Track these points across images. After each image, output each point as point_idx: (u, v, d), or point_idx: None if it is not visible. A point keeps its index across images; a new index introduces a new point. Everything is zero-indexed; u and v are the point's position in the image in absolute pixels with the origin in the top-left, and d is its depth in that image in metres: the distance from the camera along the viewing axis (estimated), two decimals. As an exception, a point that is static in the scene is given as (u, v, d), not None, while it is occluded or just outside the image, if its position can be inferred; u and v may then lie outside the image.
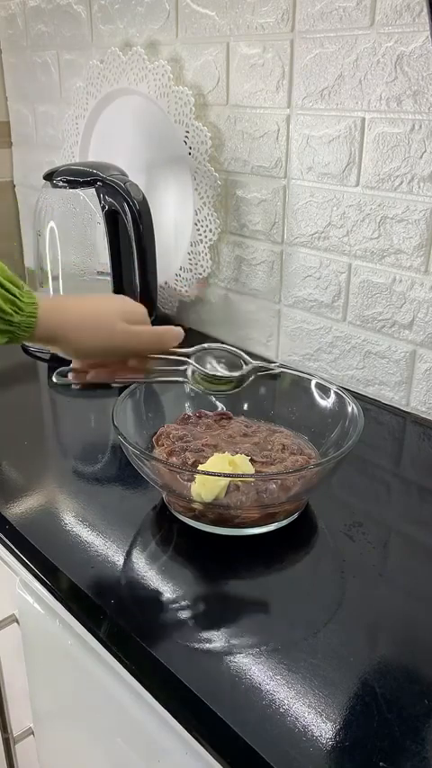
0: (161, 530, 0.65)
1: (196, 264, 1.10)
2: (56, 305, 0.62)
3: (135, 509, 0.69)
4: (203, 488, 0.60)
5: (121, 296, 0.70)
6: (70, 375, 0.67)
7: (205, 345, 0.69)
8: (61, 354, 0.65)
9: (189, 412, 0.77)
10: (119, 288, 1.05)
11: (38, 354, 1.05)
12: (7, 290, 0.57)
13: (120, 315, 0.64)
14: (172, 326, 0.66)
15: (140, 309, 0.67)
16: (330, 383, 0.74)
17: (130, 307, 0.66)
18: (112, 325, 0.62)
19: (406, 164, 0.80)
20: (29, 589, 0.68)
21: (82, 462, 0.78)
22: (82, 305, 0.64)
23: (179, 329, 0.66)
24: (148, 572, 0.60)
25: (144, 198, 0.97)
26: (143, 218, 0.96)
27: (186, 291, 1.15)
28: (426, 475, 0.76)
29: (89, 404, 0.97)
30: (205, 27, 0.98)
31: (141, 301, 0.77)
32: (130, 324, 0.64)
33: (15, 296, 0.57)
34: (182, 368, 0.68)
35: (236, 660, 0.50)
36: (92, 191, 1.00)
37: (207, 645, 0.52)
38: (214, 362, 0.69)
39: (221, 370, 0.68)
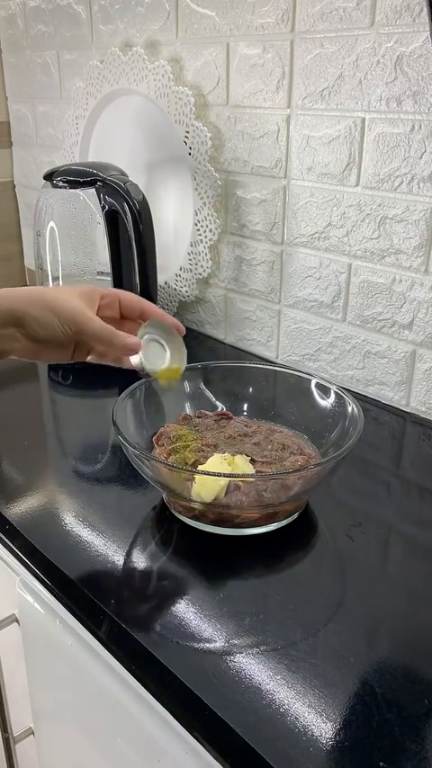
0: (161, 530, 0.65)
1: (196, 264, 1.10)
2: (7, 288, 0.61)
3: (135, 509, 0.69)
4: (203, 488, 0.60)
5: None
6: None
7: (143, 337, 0.65)
8: (22, 346, 0.62)
9: (189, 412, 0.77)
10: (118, 288, 1.05)
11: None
12: None
13: (74, 289, 0.63)
14: (126, 338, 0.62)
15: (93, 287, 0.65)
16: (330, 383, 0.74)
17: (83, 286, 0.65)
18: (68, 301, 0.61)
19: (406, 164, 0.80)
20: (29, 589, 0.68)
21: (82, 462, 0.78)
22: (32, 287, 0.63)
23: (134, 342, 0.62)
24: (148, 572, 0.60)
25: (144, 198, 0.97)
26: (143, 218, 0.96)
27: (186, 291, 1.15)
28: (426, 475, 0.76)
29: (89, 404, 0.97)
30: (205, 27, 0.98)
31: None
32: (89, 301, 0.63)
33: None
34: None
35: (236, 660, 0.50)
36: (92, 191, 1.00)
37: (207, 645, 0.52)
38: (160, 346, 0.68)
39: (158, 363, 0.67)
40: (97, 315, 0.63)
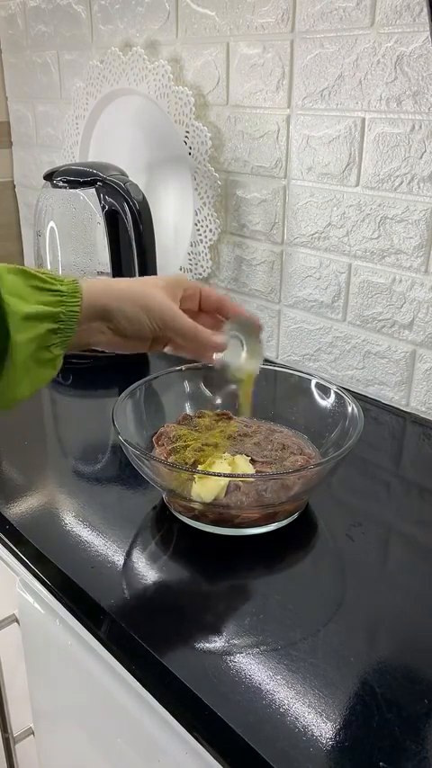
0: (161, 530, 0.65)
1: (196, 264, 1.10)
2: (93, 280, 0.61)
3: (135, 509, 0.69)
4: (203, 488, 0.60)
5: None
6: None
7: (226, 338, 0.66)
8: (107, 339, 0.62)
9: (189, 412, 0.77)
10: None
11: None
12: (43, 274, 0.57)
13: (160, 282, 0.63)
14: (212, 336, 0.63)
15: (177, 278, 0.65)
16: (330, 383, 0.74)
17: (169, 276, 0.66)
18: (158, 297, 0.61)
19: (406, 164, 0.80)
20: (29, 589, 0.68)
21: (82, 462, 0.78)
22: (120, 279, 0.63)
23: (220, 341, 0.63)
24: (148, 572, 0.60)
25: (144, 198, 0.97)
26: (143, 218, 0.96)
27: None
28: (426, 475, 0.76)
29: (89, 404, 0.97)
30: (205, 27, 0.98)
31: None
32: (173, 295, 0.63)
33: (53, 278, 0.57)
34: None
35: (236, 660, 0.50)
36: (92, 191, 1.00)
37: (207, 645, 0.52)
38: (238, 343, 0.69)
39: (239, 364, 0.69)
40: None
